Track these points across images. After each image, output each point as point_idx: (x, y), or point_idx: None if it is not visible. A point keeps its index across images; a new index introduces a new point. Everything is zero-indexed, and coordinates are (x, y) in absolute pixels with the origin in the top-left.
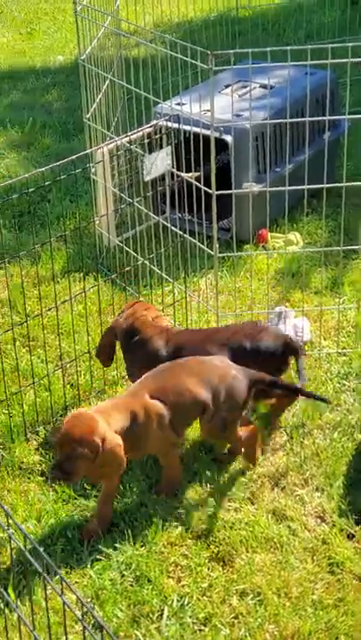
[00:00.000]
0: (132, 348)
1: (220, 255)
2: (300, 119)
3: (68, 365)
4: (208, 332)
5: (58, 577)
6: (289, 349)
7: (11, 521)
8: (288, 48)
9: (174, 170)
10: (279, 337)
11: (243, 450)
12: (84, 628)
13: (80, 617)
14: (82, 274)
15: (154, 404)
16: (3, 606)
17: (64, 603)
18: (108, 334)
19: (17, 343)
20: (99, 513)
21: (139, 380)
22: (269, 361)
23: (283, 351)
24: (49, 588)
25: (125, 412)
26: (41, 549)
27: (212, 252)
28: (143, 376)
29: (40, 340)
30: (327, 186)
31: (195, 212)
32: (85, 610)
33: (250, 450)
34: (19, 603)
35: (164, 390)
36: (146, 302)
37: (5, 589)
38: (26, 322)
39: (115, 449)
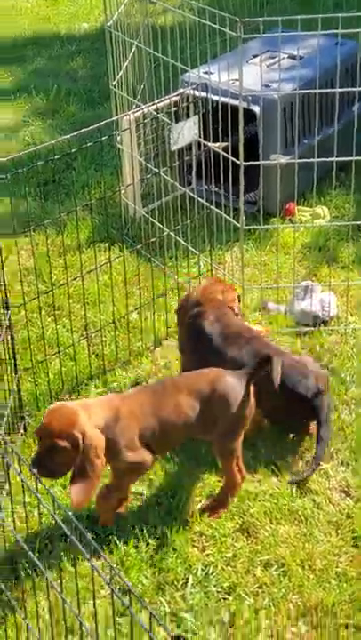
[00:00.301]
0: (187, 320)
1: (247, 227)
2: (329, 90)
3: (93, 335)
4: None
5: (85, 541)
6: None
7: (40, 485)
8: (319, 16)
9: (201, 140)
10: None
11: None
12: (112, 591)
13: (108, 581)
14: (107, 244)
15: (129, 421)
16: (31, 571)
17: (92, 567)
18: (182, 301)
19: (42, 312)
20: (97, 508)
21: (135, 388)
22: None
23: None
24: (77, 552)
25: (108, 410)
26: (69, 513)
27: (239, 225)
28: (140, 387)
29: (65, 310)
30: (356, 158)
31: (221, 183)
32: (113, 573)
33: (224, 495)
34: (47, 567)
35: (149, 408)
36: (226, 284)
37: (33, 553)
38: (51, 291)
39: (95, 444)
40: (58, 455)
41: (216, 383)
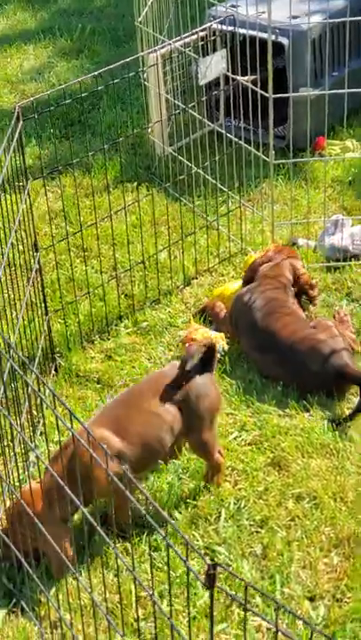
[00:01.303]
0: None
1: (276, 162)
2: (356, 18)
3: (122, 275)
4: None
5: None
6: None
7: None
8: None
9: (229, 73)
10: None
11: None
12: (149, 520)
13: (145, 513)
14: (135, 184)
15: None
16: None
17: (128, 497)
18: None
19: (71, 254)
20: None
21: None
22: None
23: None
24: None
25: None
26: (104, 446)
27: (268, 159)
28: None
29: (94, 251)
30: None
31: (250, 119)
32: (149, 503)
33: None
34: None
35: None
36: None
37: None
38: (80, 232)
39: None
40: None
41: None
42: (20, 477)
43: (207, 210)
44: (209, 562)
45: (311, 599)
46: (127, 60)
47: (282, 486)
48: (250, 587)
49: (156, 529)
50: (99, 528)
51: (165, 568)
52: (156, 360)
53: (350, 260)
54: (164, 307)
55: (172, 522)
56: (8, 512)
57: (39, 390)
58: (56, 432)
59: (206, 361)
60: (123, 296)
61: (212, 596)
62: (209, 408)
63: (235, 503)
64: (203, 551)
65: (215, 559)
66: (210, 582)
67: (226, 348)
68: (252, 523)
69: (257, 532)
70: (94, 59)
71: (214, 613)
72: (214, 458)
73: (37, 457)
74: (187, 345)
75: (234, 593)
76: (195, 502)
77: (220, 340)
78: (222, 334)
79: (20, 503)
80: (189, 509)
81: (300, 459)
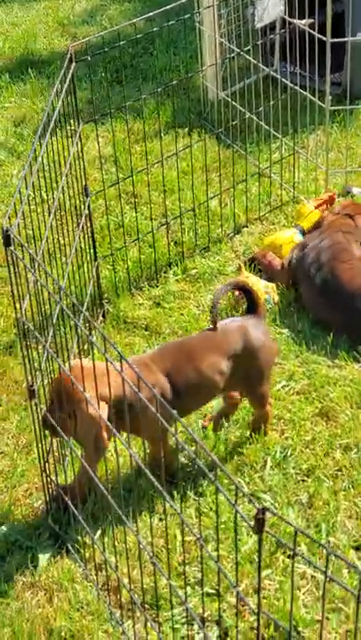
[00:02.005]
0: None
1: (333, 108)
2: None
3: (172, 222)
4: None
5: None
6: None
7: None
8: None
9: (286, 17)
10: None
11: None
12: (198, 464)
13: (194, 456)
14: (186, 129)
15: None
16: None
17: (176, 440)
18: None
19: (122, 200)
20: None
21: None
22: None
23: None
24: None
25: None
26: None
27: (324, 105)
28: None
29: (145, 197)
30: None
31: (306, 64)
32: (198, 447)
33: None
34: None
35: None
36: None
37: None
38: (130, 177)
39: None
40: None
41: (245, 336)
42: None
43: (260, 157)
44: (258, 506)
45: (357, 548)
46: (181, 1)
47: (329, 436)
48: (299, 532)
49: (205, 472)
50: (146, 470)
51: (211, 513)
52: (205, 308)
53: None
54: (213, 255)
55: (222, 466)
56: (51, 388)
57: (90, 334)
58: None
59: (250, 305)
60: (172, 243)
61: (260, 541)
62: (266, 360)
63: (281, 452)
64: (248, 499)
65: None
66: (259, 527)
67: (276, 299)
68: (298, 472)
69: (303, 480)
70: (147, 2)
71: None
72: (266, 408)
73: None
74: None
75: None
76: (241, 450)
77: (271, 291)
78: (273, 285)
79: (61, 380)
80: (235, 457)
81: (349, 409)
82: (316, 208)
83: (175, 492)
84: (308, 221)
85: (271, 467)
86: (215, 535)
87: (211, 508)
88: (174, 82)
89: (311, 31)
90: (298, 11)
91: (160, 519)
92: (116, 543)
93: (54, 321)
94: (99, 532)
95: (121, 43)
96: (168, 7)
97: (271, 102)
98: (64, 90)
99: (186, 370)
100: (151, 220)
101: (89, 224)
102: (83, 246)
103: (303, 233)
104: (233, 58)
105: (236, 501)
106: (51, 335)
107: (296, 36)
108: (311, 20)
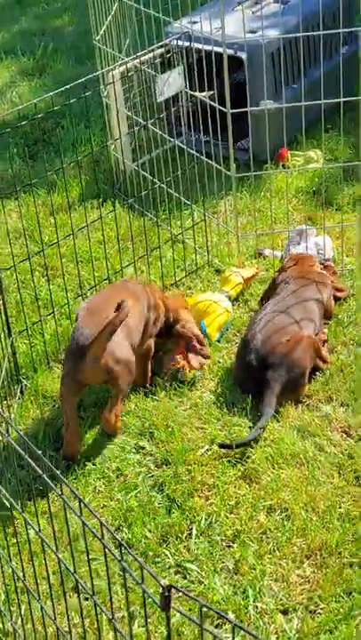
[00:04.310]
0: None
1: (238, 175)
2: (311, 33)
3: (88, 293)
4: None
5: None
6: None
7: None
8: None
9: (187, 90)
10: None
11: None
12: (104, 546)
13: (100, 536)
14: (99, 200)
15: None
16: (13, 530)
17: (83, 523)
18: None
19: (36, 273)
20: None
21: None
22: None
23: None
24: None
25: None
26: (58, 472)
27: (230, 173)
28: None
29: (59, 270)
30: (343, 100)
31: (212, 133)
32: (118, 525)
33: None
34: (42, 522)
35: None
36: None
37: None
38: (42, 251)
39: None
40: None
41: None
42: None
43: (173, 224)
44: (163, 584)
45: (285, 612)
46: (84, 79)
47: (253, 499)
48: (205, 606)
49: (111, 551)
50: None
51: (137, 588)
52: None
53: None
54: None
55: (127, 547)
56: None
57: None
58: None
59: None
60: None
61: (168, 619)
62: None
63: (206, 519)
64: (174, 570)
65: (187, 576)
66: (165, 604)
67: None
68: (223, 538)
69: (229, 546)
70: (57, 77)
71: (186, 632)
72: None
73: None
74: None
75: (193, 612)
76: (165, 520)
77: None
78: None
79: None
80: (160, 528)
81: (271, 470)
82: (244, 281)
83: (100, 571)
84: (234, 292)
85: (197, 535)
86: (142, 610)
87: (137, 582)
88: (80, 157)
89: (212, 102)
90: (198, 83)
91: (86, 598)
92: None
93: None
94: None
95: (26, 122)
96: (72, 84)
97: (180, 171)
98: None
99: None
100: (66, 291)
101: (1, 299)
102: None
103: (230, 299)
104: (141, 129)
105: (142, 580)
106: None
107: (199, 108)
108: (212, 92)
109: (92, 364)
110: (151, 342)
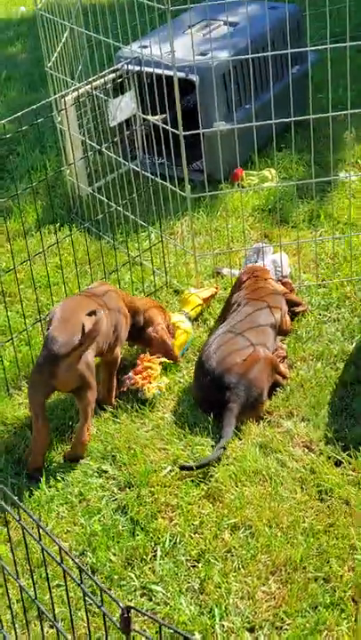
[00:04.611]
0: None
1: (194, 196)
2: (261, 54)
3: (46, 318)
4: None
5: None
6: None
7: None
8: None
9: (140, 113)
10: None
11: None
12: (64, 571)
13: (59, 561)
14: (56, 225)
15: None
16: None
17: (42, 549)
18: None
19: None
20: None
21: None
22: None
23: None
24: (28, 537)
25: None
26: (18, 501)
27: (185, 194)
28: None
29: (17, 295)
30: (295, 119)
31: (167, 155)
32: (67, 552)
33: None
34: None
35: None
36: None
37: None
38: None
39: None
40: None
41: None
42: None
43: (130, 246)
44: (123, 605)
45: (251, 630)
46: (36, 105)
47: (217, 518)
48: (165, 626)
49: (70, 575)
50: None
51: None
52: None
53: None
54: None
55: (85, 569)
56: None
57: None
58: None
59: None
60: None
61: None
62: None
63: (170, 539)
64: (139, 592)
65: (152, 598)
66: (125, 626)
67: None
68: (188, 558)
69: (194, 566)
70: (10, 104)
71: None
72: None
73: None
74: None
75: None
76: (130, 543)
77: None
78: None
79: None
80: (124, 551)
81: (234, 488)
82: (203, 301)
83: (65, 595)
84: (194, 312)
85: (161, 556)
86: (109, 634)
87: (98, 606)
88: (34, 184)
89: (164, 125)
90: (151, 107)
91: (51, 626)
92: None
93: None
94: None
95: None
96: (23, 112)
97: (135, 194)
98: None
99: None
100: (24, 317)
101: None
102: None
103: (190, 319)
104: (96, 154)
105: (102, 603)
106: None
107: (152, 131)
108: (163, 115)
109: (65, 372)
110: (118, 351)
